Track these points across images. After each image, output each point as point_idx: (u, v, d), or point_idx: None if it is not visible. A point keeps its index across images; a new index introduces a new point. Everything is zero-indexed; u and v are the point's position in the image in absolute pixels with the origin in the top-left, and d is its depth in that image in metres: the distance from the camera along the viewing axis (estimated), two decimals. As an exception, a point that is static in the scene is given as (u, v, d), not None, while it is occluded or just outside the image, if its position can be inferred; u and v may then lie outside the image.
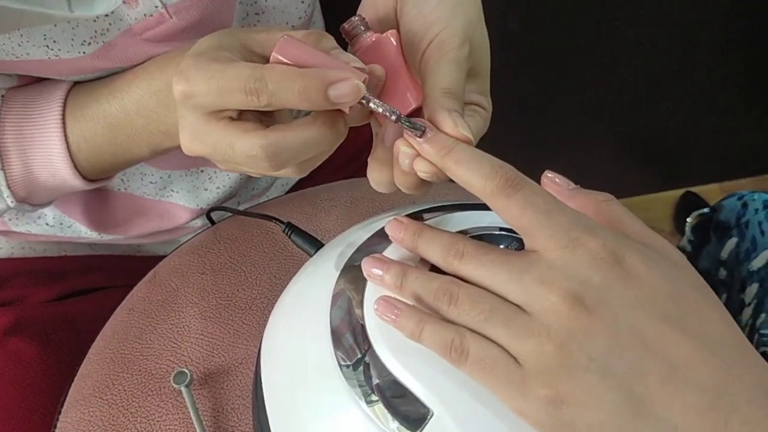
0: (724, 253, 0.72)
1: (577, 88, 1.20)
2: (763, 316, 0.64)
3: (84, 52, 0.41)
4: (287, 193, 0.66)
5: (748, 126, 1.35)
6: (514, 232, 0.32)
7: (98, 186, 0.47)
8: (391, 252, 0.34)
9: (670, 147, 1.36)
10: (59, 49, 0.40)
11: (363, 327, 0.32)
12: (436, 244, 0.31)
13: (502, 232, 0.35)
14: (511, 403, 0.27)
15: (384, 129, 0.35)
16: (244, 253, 0.53)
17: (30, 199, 0.47)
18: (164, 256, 0.55)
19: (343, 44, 0.37)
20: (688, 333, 0.27)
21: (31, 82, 0.45)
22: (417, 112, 0.36)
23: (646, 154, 1.36)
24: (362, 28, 0.37)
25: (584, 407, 0.26)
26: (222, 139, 0.33)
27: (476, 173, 0.30)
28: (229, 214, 0.56)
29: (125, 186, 0.55)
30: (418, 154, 0.32)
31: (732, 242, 0.71)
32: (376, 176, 0.36)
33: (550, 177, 0.32)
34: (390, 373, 0.30)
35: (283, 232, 0.46)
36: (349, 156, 0.69)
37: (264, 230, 0.54)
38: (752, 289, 0.66)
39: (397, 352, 0.31)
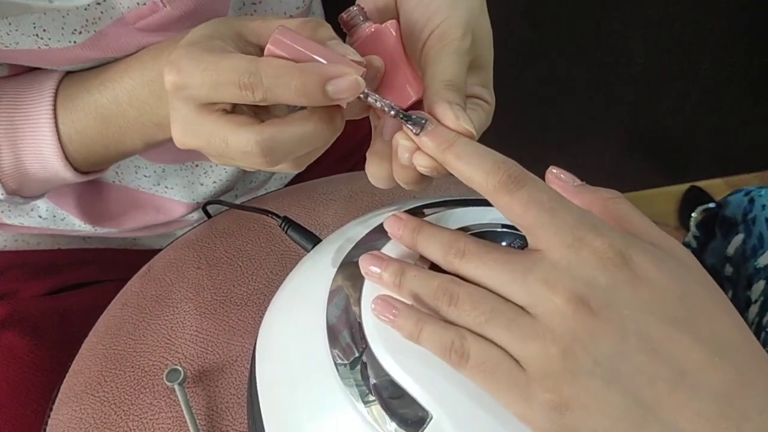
0: (730, 250, 0.71)
1: (581, 82, 1.20)
2: (769, 313, 0.63)
3: (75, 42, 0.40)
4: (285, 186, 0.65)
5: (753, 121, 1.34)
6: (517, 230, 0.31)
7: (91, 178, 0.47)
8: (389, 249, 0.34)
9: (675, 142, 1.35)
10: (49, 39, 0.40)
11: (360, 325, 0.32)
12: (436, 242, 0.30)
13: (505, 229, 0.34)
14: (514, 407, 0.27)
15: (383, 122, 0.34)
16: (241, 248, 0.52)
17: (21, 191, 0.46)
18: (159, 250, 0.54)
19: (342, 34, 0.36)
20: (697, 337, 0.26)
21: (22, 72, 0.45)
22: (417, 105, 0.35)
23: (651, 149, 1.36)
24: (361, 18, 0.36)
25: (589, 413, 0.26)
26: (215, 133, 0.32)
27: (478, 168, 0.29)
28: (226, 207, 0.55)
29: (119, 179, 0.55)
30: (418, 148, 0.31)
31: (738, 238, 0.70)
32: (374, 171, 0.35)
33: (555, 173, 0.31)
34: (388, 374, 0.30)
35: (280, 226, 0.45)
36: (349, 149, 0.68)
37: (261, 224, 0.53)
38: (759, 286, 0.66)
39: (395, 353, 0.30)
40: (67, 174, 0.44)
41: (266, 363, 0.36)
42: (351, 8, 0.36)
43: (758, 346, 0.27)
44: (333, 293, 0.34)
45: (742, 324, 0.28)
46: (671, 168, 1.41)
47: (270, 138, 0.31)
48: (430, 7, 0.35)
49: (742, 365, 0.26)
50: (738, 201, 0.71)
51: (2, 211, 0.53)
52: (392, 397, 0.29)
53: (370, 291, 0.32)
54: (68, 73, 0.44)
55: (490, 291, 0.28)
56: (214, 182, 0.57)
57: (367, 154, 0.35)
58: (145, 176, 0.55)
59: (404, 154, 0.32)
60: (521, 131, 1.20)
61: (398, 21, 0.36)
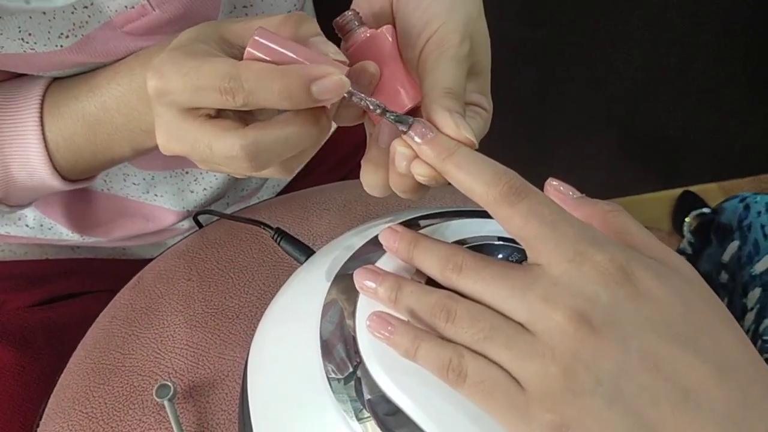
0: (726, 257, 0.71)
1: (575, 87, 1.19)
2: (766, 321, 0.62)
3: (61, 46, 0.39)
4: (278, 195, 0.64)
5: (747, 125, 1.35)
6: (515, 242, 0.31)
7: (79, 187, 0.46)
8: (385, 262, 0.33)
9: (669, 146, 1.36)
10: (35, 43, 0.39)
11: (354, 339, 0.31)
12: (432, 256, 0.29)
13: (502, 242, 0.34)
14: (513, 428, 0.26)
15: (378, 129, 0.34)
16: (233, 259, 0.51)
17: (8, 200, 0.45)
18: (149, 260, 0.53)
19: (336, 39, 0.35)
20: (701, 355, 0.25)
21: (8, 78, 0.44)
22: (413, 112, 0.34)
23: (645, 154, 1.36)
24: (356, 23, 0.35)
25: (591, 433, 0.25)
26: (199, 138, 0.31)
27: (478, 179, 0.28)
28: (217, 217, 0.54)
29: (108, 186, 0.54)
30: (416, 156, 0.31)
31: (734, 245, 0.70)
32: (369, 179, 0.34)
33: (554, 185, 0.30)
34: (382, 391, 0.29)
35: (273, 238, 0.45)
36: (342, 157, 0.67)
37: (253, 234, 0.53)
38: (755, 293, 0.65)
39: (390, 368, 0.29)
40: (54, 182, 0.43)
41: (258, 378, 0.35)
42: (346, 13, 0.35)
43: (762, 364, 0.27)
44: (327, 306, 0.33)
45: (746, 340, 0.27)
46: (665, 173, 1.41)
47: (254, 141, 0.30)
48: (427, 11, 0.34)
49: (746, 384, 0.25)
50: (733, 207, 0.71)
51: (-12, 221, 0.52)
52: (387, 415, 0.28)
53: (364, 305, 0.32)
54: (55, 79, 0.43)
55: (489, 307, 0.27)
56: (205, 190, 0.56)
57: (362, 162, 0.34)
58: (134, 184, 0.54)
59: (402, 162, 0.31)
60: (515, 137, 1.20)
61: (394, 26, 0.35)
